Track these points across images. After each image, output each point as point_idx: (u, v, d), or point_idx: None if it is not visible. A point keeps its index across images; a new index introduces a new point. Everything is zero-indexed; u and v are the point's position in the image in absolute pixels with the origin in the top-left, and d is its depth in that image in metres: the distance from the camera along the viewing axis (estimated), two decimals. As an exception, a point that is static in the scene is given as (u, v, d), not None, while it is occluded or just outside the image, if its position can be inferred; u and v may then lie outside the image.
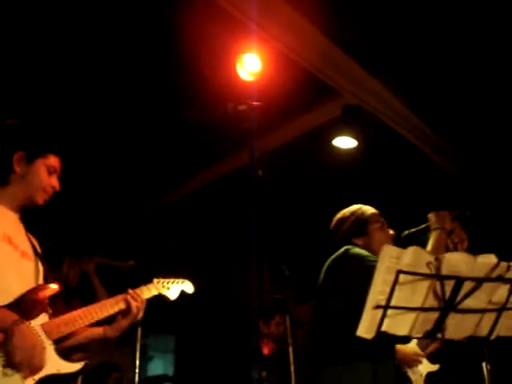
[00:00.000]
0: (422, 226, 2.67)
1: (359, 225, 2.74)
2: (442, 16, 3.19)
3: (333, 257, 2.65)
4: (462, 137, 4.46)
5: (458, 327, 2.09)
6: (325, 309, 2.59)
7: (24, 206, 2.19)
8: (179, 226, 5.64)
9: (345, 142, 4.09)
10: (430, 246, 2.50)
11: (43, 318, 2.01)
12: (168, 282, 2.53)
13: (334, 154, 4.17)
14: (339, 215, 2.84)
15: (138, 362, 3.54)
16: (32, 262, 2.12)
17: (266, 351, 4.33)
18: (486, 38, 3.40)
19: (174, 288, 2.52)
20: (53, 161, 2.21)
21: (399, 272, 1.87)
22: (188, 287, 2.59)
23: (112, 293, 2.45)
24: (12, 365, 1.85)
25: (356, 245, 2.70)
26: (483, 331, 2.15)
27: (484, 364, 2.31)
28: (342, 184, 4.29)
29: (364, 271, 2.49)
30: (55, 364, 1.96)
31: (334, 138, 4.02)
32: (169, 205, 5.29)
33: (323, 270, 2.66)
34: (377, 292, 1.89)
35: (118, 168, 4.59)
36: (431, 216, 2.61)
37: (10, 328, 1.85)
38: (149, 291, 2.38)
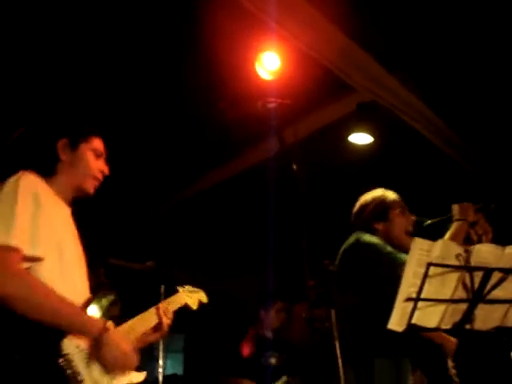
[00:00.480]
0: (445, 216, 2.73)
1: (381, 210, 2.80)
2: (459, 14, 3.24)
3: (345, 245, 2.71)
4: (476, 132, 4.51)
5: (486, 318, 2.15)
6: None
7: (74, 198, 2.08)
8: (194, 225, 5.71)
9: (360, 138, 4.15)
10: (447, 235, 2.56)
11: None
12: (190, 292, 2.55)
13: (349, 149, 4.23)
14: (361, 200, 2.91)
15: (161, 362, 3.62)
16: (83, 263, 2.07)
17: (245, 352, 4.38)
18: (502, 37, 3.45)
19: (195, 297, 2.55)
20: (97, 143, 2.13)
21: (429, 264, 1.93)
22: (203, 297, 2.62)
23: (133, 296, 2.47)
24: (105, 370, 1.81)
25: (376, 230, 2.77)
26: (511, 321, 2.22)
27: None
28: (358, 179, 4.35)
29: (378, 262, 2.55)
30: (129, 374, 1.95)
31: (349, 134, 4.08)
32: (183, 203, 5.35)
33: (338, 256, 2.70)
34: (408, 284, 1.96)
35: (131, 168, 4.65)
36: (454, 207, 2.67)
37: (99, 337, 1.77)
38: (176, 303, 2.38)
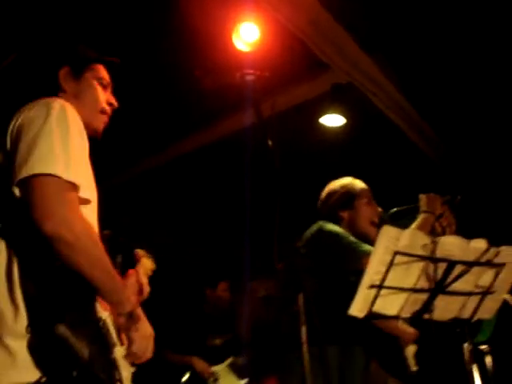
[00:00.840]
0: (412, 205, 2.76)
1: (347, 198, 2.82)
2: (446, 9, 3.24)
3: (307, 234, 2.72)
4: (448, 127, 4.58)
5: (444, 309, 2.21)
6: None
7: None
8: (161, 194, 5.60)
9: (333, 120, 4.15)
10: (414, 226, 2.59)
11: None
12: (147, 257, 2.46)
13: (321, 130, 4.22)
14: (329, 187, 2.92)
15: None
16: None
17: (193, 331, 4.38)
18: (486, 34, 3.48)
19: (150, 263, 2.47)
20: (103, 72, 1.90)
21: (396, 253, 1.96)
22: (152, 264, 2.53)
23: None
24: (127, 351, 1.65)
25: (341, 218, 2.80)
26: (467, 313, 2.29)
27: (465, 345, 2.45)
28: (327, 161, 4.36)
29: (340, 252, 2.59)
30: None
31: (322, 115, 4.07)
32: (152, 170, 5.22)
33: (300, 244, 2.71)
34: (373, 272, 1.98)
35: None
36: (422, 198, 2.69)
37: (135, 311, 1.63)
38: (145, 268, 2.29)
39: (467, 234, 2.41)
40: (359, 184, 2.92)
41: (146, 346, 1.69)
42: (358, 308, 2.05)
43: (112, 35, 3.14)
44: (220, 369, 4.25)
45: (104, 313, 1.58)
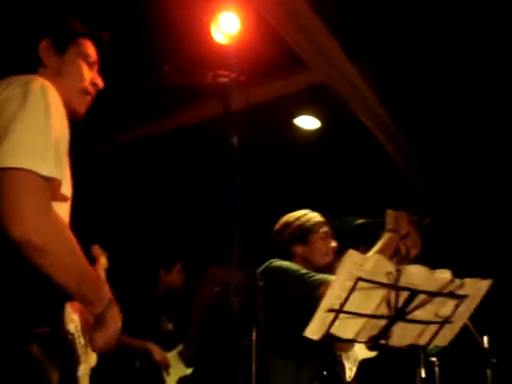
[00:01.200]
0: (378, 219, 2.70)
1: (301, 232, 2.75)
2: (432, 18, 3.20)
3: (260, 270, 2.65)
4: (426, 143, 4.56)
5: (402, 335, 2.19)
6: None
7: None
8: (117, 174, 5.43)
9: (307, 122, 4.08)
10: (377, 246, 2.54)
11: None
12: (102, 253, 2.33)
13: (293, 132, 4.14)
14: (284, 219, 2.85)
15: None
16: None
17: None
18: (469, 47, 3.46)
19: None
20: (89, 48, 1.74)
21: (359, 279, 1.91)
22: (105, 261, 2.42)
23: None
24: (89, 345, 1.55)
25: (294, 254, 2.74)
26: (423, 341, 2.28)
27: (419, 370, 2.44)
28: (297, 164, 4.29)
29: (298, 285, 2.52)
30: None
31: (296, 116, 3.99)
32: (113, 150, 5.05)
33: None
34: (333, 296, 1.94)
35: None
36: (389, 214, 2.63)
37: (108, 307, 1.51)
38: (103, 266, 2.11)
39: (431, 257, 2.40)
40: (315, 217, 2.83)
41: (110, 343, 1.58)
42: (313, 330, 2.01)
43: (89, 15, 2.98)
44: (170, 356, 4.21)
45: (70, 325, 1.50)
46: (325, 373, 2.54)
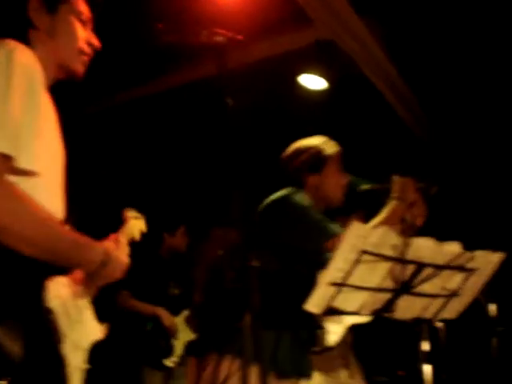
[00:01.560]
0: (384, 185, 2.59)
1: (317, 161, 2.61)
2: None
3: (272, 200, 2.53)
4: (437, 103, 4.41)
5: (406, 308, 2.13)
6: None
7: (56, 80, 1.62)
8: (113, 135, 5.34)
9: (312, 81, 3.93)
10: (382, 215, 2.45)
11: None
12: (136, 218, 2.17)
13: (297, 91, 4.00)
14: (298, 145, 2.68)
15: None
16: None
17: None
18: (481, 10, 3.29)
19: (138, 225, 2.20)
20: (82, 5, 1.65)
21: (363, 252, 1.84)
22: (143, 225, 2.26)
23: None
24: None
25: (306, 182, 2.60)
26: (429, 314, 2.22)
27: (421, 343, 2.40)
28: (300, 124, 4.17)
29: (303, 227, 2.42)
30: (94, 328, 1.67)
31: (301, 74, 3.83)
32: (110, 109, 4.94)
33: (260, 210, 2.54)
34: (336, 269, 1.87)
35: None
36: (395, 181, 2.52)
37: (101, 267, 1.47)
38: (128, 234, 1.95)
39: (438, 228, 2.32)
40: (332, 147, 2.69)
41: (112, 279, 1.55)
42: (314, 303, 1.94)
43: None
44: (177, 320, 4.26)
45: (54, 301, 1.43)
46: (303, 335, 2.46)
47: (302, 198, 2.51)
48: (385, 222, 2.34)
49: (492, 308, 3.61)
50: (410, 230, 2.46)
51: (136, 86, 4.58)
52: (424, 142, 4.80)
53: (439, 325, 3.71)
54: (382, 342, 2.46)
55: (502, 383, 3.87)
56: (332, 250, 1.93)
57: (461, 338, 3.97)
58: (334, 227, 2.40)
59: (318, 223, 2.42)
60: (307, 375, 2.47)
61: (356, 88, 4.04)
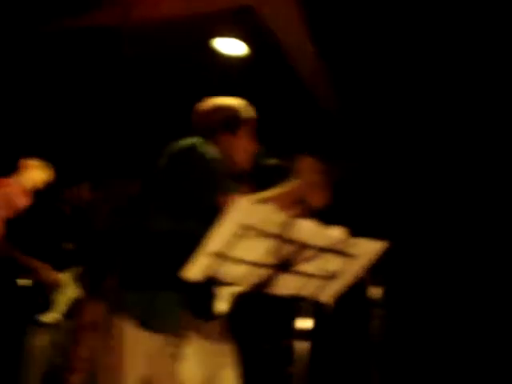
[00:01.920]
0: (289, 162, 2.62)
1: (233, 121, 2.60)
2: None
3: (180, 146, 2.47)
4: (351, 81, 4.46)
5: (284, 286, 2.20)
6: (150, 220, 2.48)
7: None
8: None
9: (226, 45, 3.84)
10: (279, 191, 2.46)
11: None
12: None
13: (211, 55, 3.91)
14: (216, 101, 2.65)
15: None
16: None
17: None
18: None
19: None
20: None
21: (246, 227, 1.87)
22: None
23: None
24: None
25: (219, 140, 2.57)
26: (308, 293, 2.31)
27: (299, 320, 2.49)
28: (207, 88, 4.07)
29: (202, 176, 2.38)
30: None
31: (214, 38, 3.72)
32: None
33: (167, 152, 2.48)
34: (217, 240, 1.89)
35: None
36: (299, 160, 2.55)
37: None
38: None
39: (332, 212, 2.38)
40: (251, 112, 2.69)
41: None
42: (192, 271, 1.97)
43: None
44: (65, 275, 4.17)
45: None
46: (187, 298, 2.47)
47: (211, 149, 2.47)
48: (278, 199, 2.37)
49: (376, 291, 3.78)
50: (307, 212, 2.51)
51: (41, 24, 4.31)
52: (334, 118, 4.85)
53: (325, 304, 3.84)
54: (263, 313, 2.54)
55: (380, 366, 4.09)
56: (222, 206, 1.94)
57: (342, 319, 4.16)
58: (233, 186, 2.40)
59: (218, 176, 2.40)
60: (172, 331, 2.45)
61: (271, 58, 4.00)
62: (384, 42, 4.24)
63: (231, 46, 3.84)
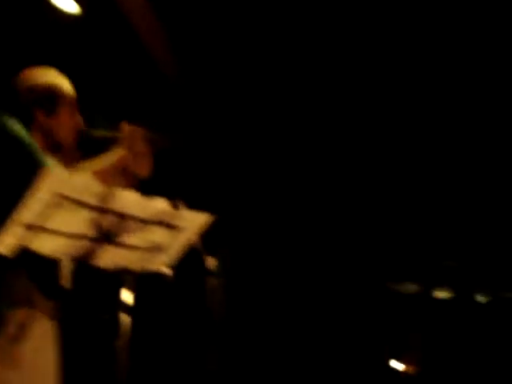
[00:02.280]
0: (112, 134, 2.57)
1: (49, 99, 2.47)
2: None
3: None
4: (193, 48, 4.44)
5: (109, 259, 2.17)
6: None
7: None
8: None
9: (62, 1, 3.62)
10: (103, 161, 2.43)
11: None
12: None
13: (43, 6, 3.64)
14: (32, 75, 2.50)
15: None
16: None
17: None
18: None
19: None
20: None
21: (62, 197, 1.81)
22: None
23: None
24: None
25: (35, 119, 2.45)
26: (134, 265, 2.30)
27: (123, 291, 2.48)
28: (41, 46, 3.80)
29: (15, 153, 2.29)
30: None
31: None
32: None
33: None
34: (30, 210, 1.80)
35: None
36: (124, 129, 2.52)
37: None
38: None
39: (160, 184, 2.39)
40: (67, 86, 2.56)
41: None
42: (5, 243, 1.87)
43: None
44: None
45: None
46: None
47: (20, 130, 2.36)
48: (103, 170, 2.33)
49: (211, 261, 3.89)
50: (131, 182, 2.50)
51: None
52: (172, 83, 4.81)
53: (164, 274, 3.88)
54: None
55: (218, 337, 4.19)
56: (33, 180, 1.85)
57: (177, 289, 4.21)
58: (50, 160, 2.31)
59: (34, 151, 2.29)
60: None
61: (107, 16, 3.85)
62: (232, 7, 4.26)
63: (68, 3, 3.62)
